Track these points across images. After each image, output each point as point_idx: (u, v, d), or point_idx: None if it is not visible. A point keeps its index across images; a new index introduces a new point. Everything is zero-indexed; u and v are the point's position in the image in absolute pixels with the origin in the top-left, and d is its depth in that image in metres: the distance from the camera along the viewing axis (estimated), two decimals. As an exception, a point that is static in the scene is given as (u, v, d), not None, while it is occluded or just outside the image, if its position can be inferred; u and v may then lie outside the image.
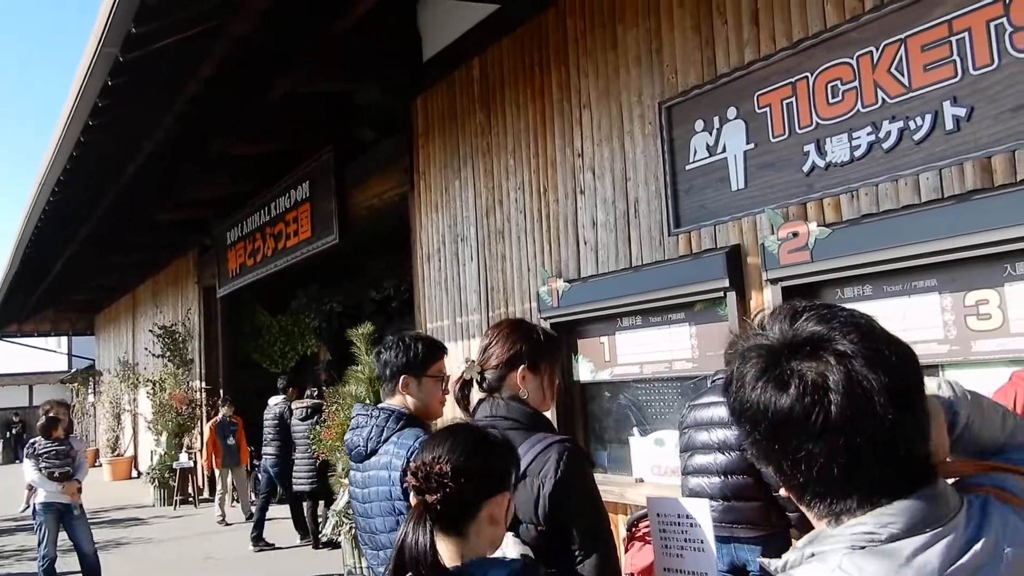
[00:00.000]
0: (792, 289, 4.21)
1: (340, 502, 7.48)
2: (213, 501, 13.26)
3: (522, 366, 2.13)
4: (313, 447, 8.55)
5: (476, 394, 2.24)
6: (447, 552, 1.50)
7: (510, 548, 1.73)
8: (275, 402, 10.06)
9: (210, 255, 13.57)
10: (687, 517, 2.01)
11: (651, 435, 5.30)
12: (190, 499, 13.13)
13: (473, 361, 2.22)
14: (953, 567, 0.93)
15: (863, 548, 0.95)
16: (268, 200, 10.83)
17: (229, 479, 11.71)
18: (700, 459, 3.63)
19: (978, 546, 0.95)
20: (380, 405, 2.56)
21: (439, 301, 7.28)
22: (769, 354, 1.02)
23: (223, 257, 12.71)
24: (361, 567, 7.19)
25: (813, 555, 1.00)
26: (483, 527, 1.54)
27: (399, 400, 2.53)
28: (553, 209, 5.92)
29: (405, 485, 1.59)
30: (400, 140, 7.89)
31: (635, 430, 5.46)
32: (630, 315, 5.37)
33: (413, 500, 1.56)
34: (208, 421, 11.79)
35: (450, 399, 2.61)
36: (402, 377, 2.53)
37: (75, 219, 11.19)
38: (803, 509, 1.05)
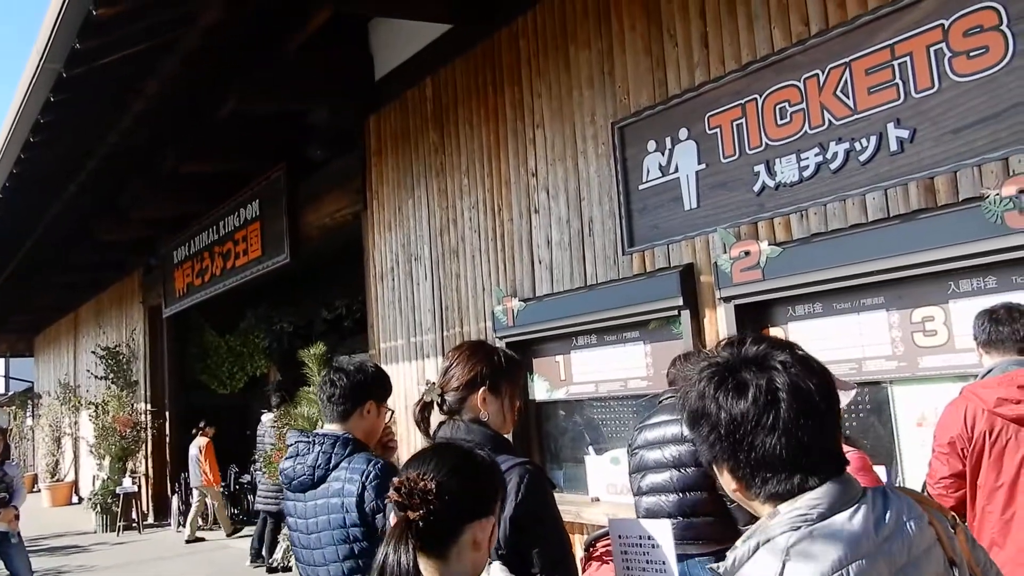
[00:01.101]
0: (745, 307, 4.27)
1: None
2: (161, 526, 12.93)
3: (483, 388, 2.11)
4: (265, 469, 8.39)
5: (436, 417, 2.21)
6: (427, 574, 1.45)
7: (496, 574, 1.69)
8: (268, 419, 9.74)
9: (156, 274, 13.29)
10: (648, 539, 2.00)
11: (607, 454, 5.31)
12: (134, 524, 12.76)
13: (433, 383, 2.20)
14: (872, 533, 1.17)
15: (799, 528, 1.17)
16: (217, 219, 10.65)
17: (208, 499, 11.49)
18: (654, 477, 3.63)
19: (887, 518, 1.20)
20: (320, 431, 2.51)
21: (393, 320, 7.22)
22: (724, 369, 1.27)
23: (170, 276, 12.46)
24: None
25: (758, 545, 1.20)
26: (465, 551, 1.49)
27: (349, 425, 2.48)
28: (507, 228, 5.93)
29: (387, 500, 1.54)
30: (353, 159, 7.84)
31: (590, 449, 5.47)
32: (585, 334, 5.39)
33: (393, 517, 1.52)
34: (198, 442, 11.55)
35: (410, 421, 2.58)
36: (368, 402, 2.49)
37: (15, 237, 10.88)
38: (748, 498, 1.27)
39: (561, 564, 1.93)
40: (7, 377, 27.98)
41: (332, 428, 2.50)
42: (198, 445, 11.63)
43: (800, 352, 1.28)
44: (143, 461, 13.79)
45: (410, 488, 1.45)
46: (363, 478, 2.30)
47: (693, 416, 1.29)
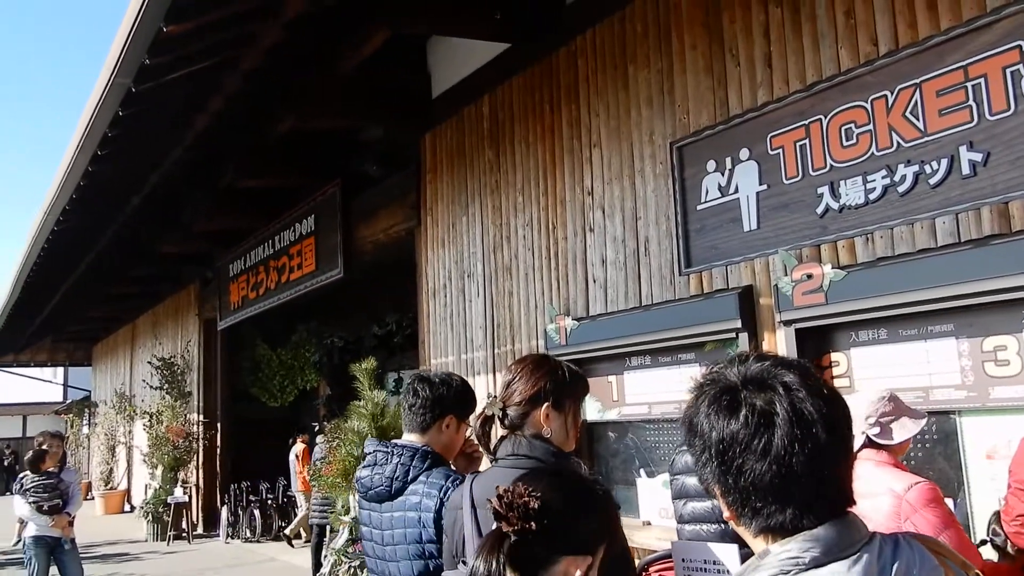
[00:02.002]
0: (806, 331, 4.18)
1: (339, 540, 7.36)
2: (210, 536, 13.08)
3: (546, 404, 2.07)
4: (316, 483, 8.44)
5: (496, 431, 2.18)
6: None
7: None
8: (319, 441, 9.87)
9: (212, 287, 13.54)
10: (715, 563, 1.95)
11: (659, 477, 5.22)
12: (184, 534, 12.93)
13: (495, 397, 2.17)
14: None
15: (788, 574, 1.07)
16: (272, 233, 10.82)
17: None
18: (696, 505, 3.51)
19: (894, 571, 1.08)
20: (399, 441, 2.48)
21: (444, 337, 7.23)
22: (724, 386, 1.18)
23: (225, 289, 12.67)
24: (359, 607, 7.04)
25: None
26: None
27: (428, 438, 2.46)
28: (562, 246, 5.91)
29: (488, 507, 1.47)
30: (408, 176, 7.91)
31: (642, 471, 5.39)
32: (639, 354, 5.32)
33: (494, 524, 1.47)
34: (295, 448, 11.69)
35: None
36: (449, 416, 2.47)
37: (78, 249, 11.18)
38: (739, 528, 1.17)
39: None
40: (65, 385, 28.70)
41: (411, 439, 2.47)
42: (295, 452, 11.74)
43: (811, 374, 1.18)
44: (194, 472, 13.99)
45: (511, 500, 1.39)
46: (441, 494, 2.28)
47: (688, 432, 1.22)
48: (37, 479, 7.11)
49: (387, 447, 2.45)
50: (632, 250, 5.32)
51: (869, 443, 2.71)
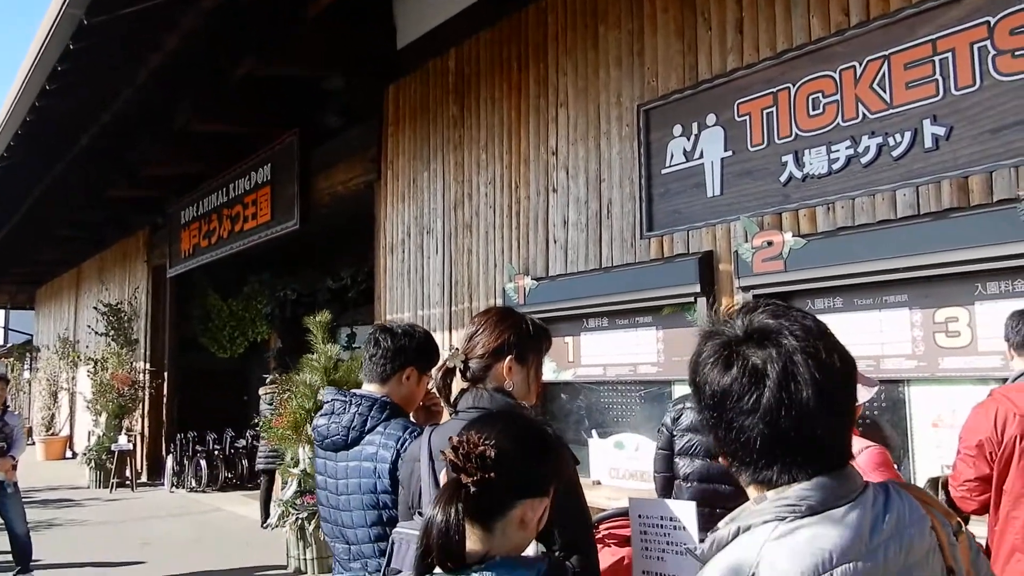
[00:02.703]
0: (763, 297, 4.20)
1: (287, 492, 7.33)
2: (154, 485, 12.95)
3: (509, 357, 2.04)
4: (263, 433, 8.37)
5: (457, 384, 2.16)
6: (469, 542, 1.38)
7: (532, 550, 1.63)
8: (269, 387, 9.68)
9: (162, 234, 13.23)
10: (671, 520, 1.96)
11: (611, 438, 5.27)
12: (127, 482, 12.76)
13: (457, 349, 2.14)
14: (867, 535, 1.08)
15: (784, 519, 1.08)
16: (227, 181, 10.57)
17: None
18: (713, 464, 3.45)
19: (887, 520, 1.10)
20: (358, 391, 2.44)
21: (400, 293, 7.17)
22: (724, 339, 1.18)
23: (176, 236, 12.40)
24: (306, 558, 7.05)
25: (739, 531, 1.12)
26: (511, 527, 1.41)
27: (388, 388, 2.42)
28: (524, 206, 5.87)
29: (441, 458, 1.45)
30: (369, 128, 7.77)
31: (594, 432, 5.43)
32: (597, 316, 5.34)
33: (444, 477, 1.45)
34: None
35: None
36: (409, 368, 2.42)
37: (23, 187, 10.82)
38: (736, 476, 1.19)
39: (583, 542, 1.88)
40: (6, 329, 27.96)
41: (370, 389, 2.44)
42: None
43: (816, 332, 1.15)
44: (139, 420, 13.78)
45: (468, 451, 1.37)
46: (398, 445, 2.25)
47: (690, 380, 1.23)
48: (-18, 420, 6.95)
49: (345, 396, 2.41)
50: (595, 212, 5.31)
51: None
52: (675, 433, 3.48)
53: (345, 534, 2.33)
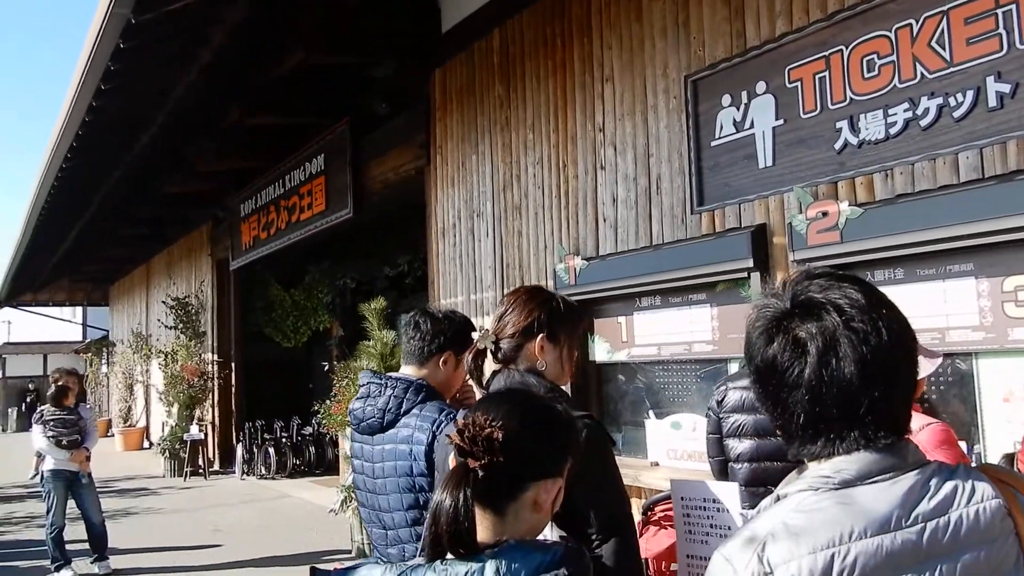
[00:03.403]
0: (819, 271, 4.06)
1: (349, 477, 7.41)
2: (225, 473, 13.28)
3: (541, 335, 1.98)
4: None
5: (489, 365, 2.11)
6: (481, 527, 1.33)
7: (548, 534, 1.58)
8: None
9: (223, 228, 13.50)
10: (714, 502, 1.88)
11: (668, 418, 5.18)
12: (200, 471, 13.13)
13: (487, 330, 2.08)
14: (903, 512, 1.03)
15: (816, 490, 1.06)
16: (282, 173, 10.72)
17: None
18: (763, 443, 3.36)
19: (934, 499, 1.05)
20: (394, 374, 2.41)
21: (453, 277, 7.16)
22: (774, 312, 1.16)
23: (236, 230, 12.64)
24: (368, 543, 7.13)
25: (778, 497, 1.12)
26: (524, 511, 1.36)
27: (425, 371, 2.39)
28: (572, 185, 5.78)
29: (448, 442, 1.41)
30: (417, 114, 7.75)
31: (651, 412, 5.34)
32: (649, 295, 5.23)
33: (453, 461, 1.41)
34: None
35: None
36: (447, 352, 2.39)
37: (87, 189, 11.13)
38: (787, 447, 1.17)
39: (619, 525, 1.82)
40: (84, 325, 29.01)
41: (408, 372, 2.41)
42: None
43: (869, 304, 1.11)
44: (209, 410, 14.15)
45: (474, 434, 1.32)
46: (434, 427, 2.22)
47: (744, 353, 1.21)
48: (57, 413, 7.19)
49: (381, 379, 2.39)
50: (643, 188, 5.19)
51: None
52: (721, 416, 3.39)
53: (382, 518, 2.31)
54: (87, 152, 8.77)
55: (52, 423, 7.12)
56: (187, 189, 12.08)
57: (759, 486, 3.34)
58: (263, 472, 12.42)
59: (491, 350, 2.01)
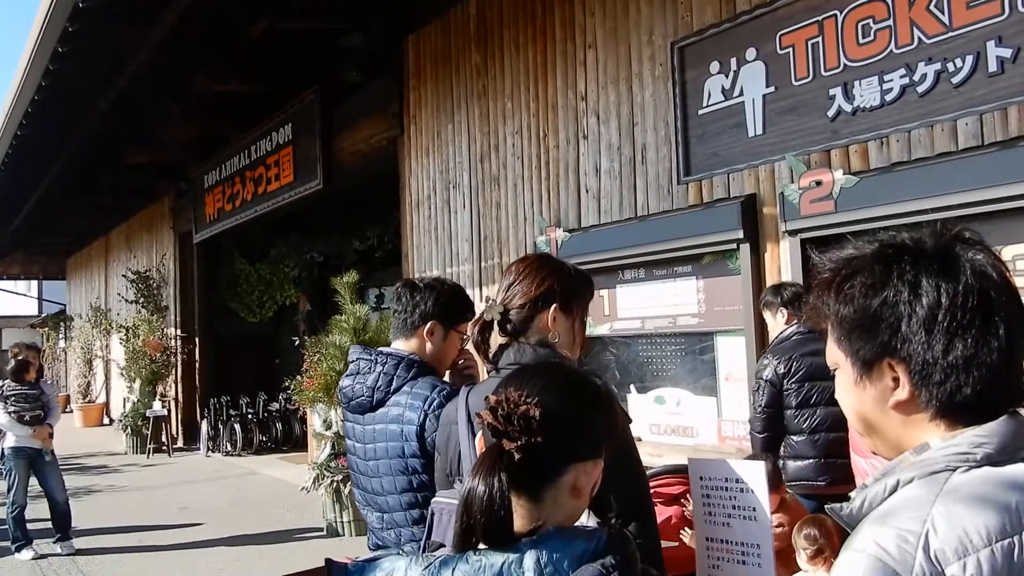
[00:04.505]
0: (812, 241, 3.99)
1: (322, 455, 7.27)
2: (190, 450, 13.03)
3: (554, 306, 1.85)
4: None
5: (495, 340, 1.98)
6: (516, 514, 1.19)
7: (586, 519, 1.46)
8: None
9: (187, 199, 13.14)
10: (737, 481, 1.78)
11: (650, 392, 5.10)
12: (163, 448, 12.86)
13: (494, 301, 1.94)
14: None
15: (955, 470, 0.93)
16: (248, 143, 10.41)
17: None
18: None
19: None
20: (385, 349, 2.27)
21: (428, 250, 7.00)
22: (905, 255, 1.01)
23: (200, 201, 12.30)
24: (342, 520, 7.00)
25: (899, 484, 0.97)
26: (563, 495, 1.23)
27: (413, 345, 2.24)
28: (553, 155, 5.64)
29: (477, 421, 1.27)
30: (390, 82, 7.53)
31: (632, 387, 5.26)
32: (633, 267, 5.13)
33: (481, 443, 1.27)
34: None
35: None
36: (431, 322, 2.24)
37: (44, 157, 10.72)
38: (912, 412, 1.00)
39: (640, 507, 1.71)
40: (40, 299, 28.29)
41: (397, 347, 2.27)
42: None
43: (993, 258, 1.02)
44: (173, 386, 13.85)
45: (509, 411, 1.18)
46: (425, 405, 2.08)
47: (873, 306, 1.02)
48: (18, 388, 6.94)
49: (371, 355, 2.25)
50: (628, 158, 5.07)
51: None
52: (787, 386, 3.30)
53: (377, 501, 2.18)
54: (43, 118, 8.41)
55: (13, 398, 6.86)
56: (150, 159, 11.71)
57: (836, 458, 3.26)
58: (229, 449, 12.20)
59: (498, 322, 1.87)
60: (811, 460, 3.40)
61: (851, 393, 1.06)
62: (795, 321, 3.72)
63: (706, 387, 4.77)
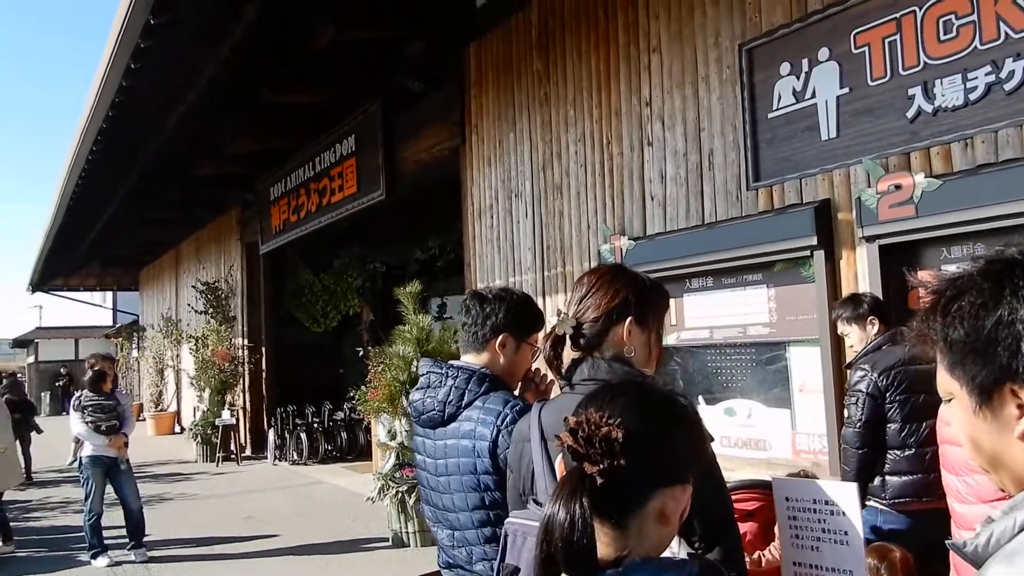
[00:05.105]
0: (892, 247, 3.83)
1: (386, 465, 7.28)
2: (257, 458, 13.23)
3: (629, 318, 1.78)
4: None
5: (567, 354, 1.90)
6: (600, 542, 1.14)
7: (676, 548, 1.38)
8: None
9: (253, 211, 13.39)
10: (826, 503, 1.68)
11: (720, 404, 4.96)
12: (232, 456, 13.10)
13: (566, 314, 1.87)
14: None
15: None
16: (312, 155, 10.56)
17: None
18: None
19: None
20: (456, 363, 2.22)
21: (491, 260, 6.97)
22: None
23: (266, 213, 12.52)
24: (408, 531, 6.99)
25: None
26: (649, 523, 1.16)
27: (485, 358, 2.19)
28: (617, 162, 5.55)
29: (556, 444, 1.21)
30: (451, 91, 7.54)
31: (701, 399, 5.13)
32: (701, 275, 5.01)
33: (561, 466, 1.21)
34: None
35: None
36: (502, 335, 2.18)
37: (117, 172, 11.04)
38: None
39: (725, 530, 1.62)
40: (115, 310, 29.25)
41: (468, 360, 2.22)
42: None
43: None
44: (241, 395, 14.10)
45: (589, 433, 1.12)
46: (498, 421, 2.02)
47: (973, 325, 0.94)
48: (95, 398, 7.10)
49: (442, 368, 2.19)
50: (695, 164, 4.96)
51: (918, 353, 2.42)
52: (891, 399, 3.16)
53: (448, 518, 2.12)
54: (116, 134, 8.65)
55: (90, 408, 7.03)
56: (217, 171, 11.95)
57: (938, 472, 3.11)
58: (295, 458, 12.36)
59: (570, 336, 1.80)
60: (919, 475, 3.23)
61: (970, 425, 0.96)
62: (886, 331, 3.57)
63: (779, 399, 4.62)
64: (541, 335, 2.15)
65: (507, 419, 2.00)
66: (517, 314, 2.21)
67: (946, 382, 0.99)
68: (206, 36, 6.68)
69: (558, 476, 1.30)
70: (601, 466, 1.10)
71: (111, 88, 7.10)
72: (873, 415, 3.26)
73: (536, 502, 1.73)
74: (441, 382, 2.15)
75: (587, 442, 1.11)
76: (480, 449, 2.02)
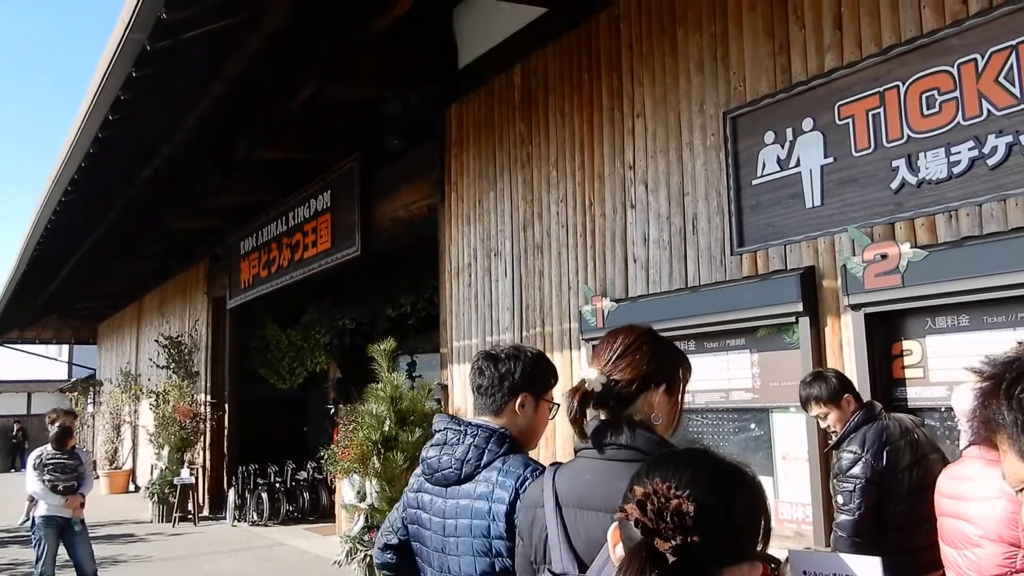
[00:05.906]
0: (877, 316, 3.85)
1: (354, 528, 7.07)
2: (216, 519, 12.81)
3: (663, 386, 1.74)
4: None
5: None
6: None
7: None
8: None
9: (222, 265, 13.23)
10: (849, 580, 1.63)
11: (702, 470, 4.90)
12: (189, 516, 12.67)
13: (599, 372, 1.79)
14: None
15: None
16: (287, 209, 10.49)
17: None
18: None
19: None
20: (475, 420, 2.15)
21: (467, 319, 6.91)
22: None
23: (236, 267, 12.37)
24: (375, 598, 6.76)
25: None
26: None
27: (504, 420, 2.12)
28: (599, 224, 5.57)
29: (618, 516, 1.14)
30: (432, 149, 7.57)
31: (682, 463, 5.06)
32: (683, 339, 4.97)
33: (616, 538, 1.12)
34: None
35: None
36: (522, 395, 2.12)
37: (86, 222, 10.85)
38: None
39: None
40: (71, 363, 28.49)
41: (486, 420, 2.14)
42: None
43: None
44: (201, 453, 13.72)
45: (660, 506, 1.05)
46: (517, 484, 1.94)
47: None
48: (57, 456, 6.82)
49: (460, 425, 2.12)
50: (678, 228, 4.99)
51: (978, 440, 2.38)
52: (892, 480, 3.09)
53: (449, 580, 2.03)
54: (89, 185, 8.52)
55: (51, 467, 6.74)
56: (191, 225, 11.83)
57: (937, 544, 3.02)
58: (255, 518, 11.99)
59: (599, 393, 1.73)
60: (918, 551, 3.14)
61: None
62: (859, 406, 3.50)
63: (761, 466, 4.57)
64: (558, 391, 2.09)
65: (527, 483, 1.93)
66: (534, 372, 2.15)
67: (1018, 469, 0.95)
68: (188, 90, 6.65)
69: (611, 549, 1.23)
70: (674, 543, 1.03)
71: (87, 139, 7.00)
72: (873, 500, 3.17)
73: (552, 572, 1.66)
74: (459, 439, 2.08)
75: (657, 516, 1.05)
76: (496, 512, 1.94)
